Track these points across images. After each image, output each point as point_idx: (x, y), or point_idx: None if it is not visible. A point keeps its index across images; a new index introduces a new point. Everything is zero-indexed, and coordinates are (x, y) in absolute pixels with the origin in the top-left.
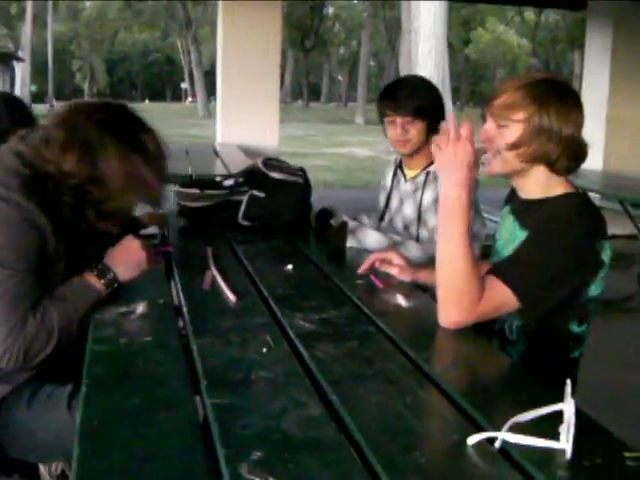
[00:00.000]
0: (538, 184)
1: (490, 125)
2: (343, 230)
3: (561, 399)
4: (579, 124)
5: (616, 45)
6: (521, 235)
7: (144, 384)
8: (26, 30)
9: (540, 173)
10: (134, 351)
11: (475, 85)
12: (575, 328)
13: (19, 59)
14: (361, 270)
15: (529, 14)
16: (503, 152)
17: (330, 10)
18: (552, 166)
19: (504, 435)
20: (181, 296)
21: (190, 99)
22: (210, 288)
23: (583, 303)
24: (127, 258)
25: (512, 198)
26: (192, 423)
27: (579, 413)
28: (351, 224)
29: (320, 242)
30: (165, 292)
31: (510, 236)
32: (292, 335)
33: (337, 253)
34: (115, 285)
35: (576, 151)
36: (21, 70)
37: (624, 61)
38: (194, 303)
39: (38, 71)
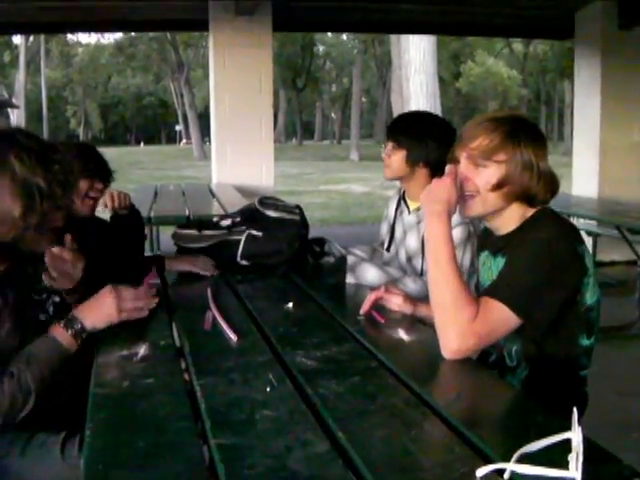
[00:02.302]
0: (515, 219)
1: (466, 167)
2: (342, 266)
3: (569, 427)
4: (547, 157)
5: (605, 72)
6: (502, 263)
7: (148, 427)
8: (19, 77)
9: (517, 209)
10: (137, 394)
11: (468, 118)
12: (585, 341)
13: (13, 106)
14: (362, 311)
15: (517, 45)
16: (484, 193)
17: (321, 48)
18: (530, 201)
19: (513, 466)
20: (183, 337)
21: (185, 141)
22: (211, 328)
23: (584, 312)
24: (96, 306)
25: (487, 242)
26: (198, 465)
27: (587, 441)
28: (350, 260)
29: (318, 279)
30: (166, 333)
31: (496, 272)
32: (295, 373)
33: (337, 289)
34: (83, 335)
35: (552, 183)
36: (16, 117)
37: (614, 88)
38: (195, 344)
39: (33, 117)
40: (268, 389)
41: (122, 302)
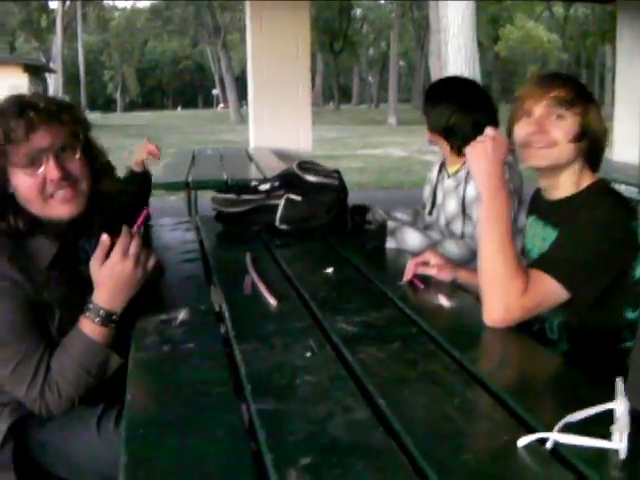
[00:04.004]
0: (572, 180)
1: (545, 117)
2: (383, 230)
3: (613, 397)
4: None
5: None
6: (553, 235)
7: (189, 391)
8: (56, 42)
9: (576, 169)
10: (177, 358)
11: (507, 82)
12: (630, 314)
13: (51, 71)
14: (406, 279)
15: (558, 8)
16: (563, 144)
17: (358, 12)
18: (589, 161)
19: (555, 436)
20: (222, 302)
21: (222, 105)
22: (250, 293)
23: (632, 286)
24: (107, 283)
25: (535, 207)
26: (238, 429)
27: (633, 411)
28: (390, 224)
29: (358, 243)
30: (206, 298)
31: (544, 242)
32: (335, 339)
33: (377, 254)
34: (114, 317)
35: (604, 145)
36: (53, 82)
37: None
38: (235, 308)
39: (70, 82)
40: (308, 354)
41: (134, 257)
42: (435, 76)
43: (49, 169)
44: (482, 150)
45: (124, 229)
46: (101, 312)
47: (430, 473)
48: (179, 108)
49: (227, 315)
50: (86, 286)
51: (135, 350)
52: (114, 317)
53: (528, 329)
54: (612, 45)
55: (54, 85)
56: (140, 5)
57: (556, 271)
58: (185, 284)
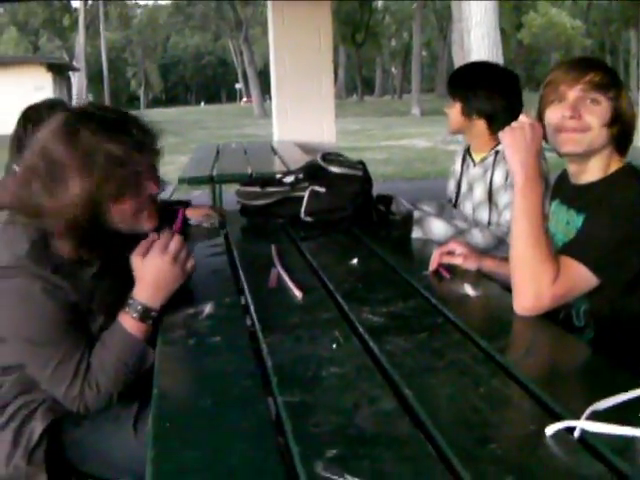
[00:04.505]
0: (601, 166)
1: (580, 102)
2: (408, 221)
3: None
4: None
5: None
6: (578, 220)
7: (215, 384)
8: (79, 40)
9: (606, 154)
10: (204, 351)
11: (530, 70)
12: None
13: (74, 69)
14: (431, 268)
15: None
16: (598, 129)
17: (379, 3)
18: (619, 146)
19: (583, 424)
20: (248, 295)
21: (245, 99)
22: (276, 285)
23: None
24: (149, 280)
25: (560, 190)
26: (265, 421)
27: None
28: (416, 214)
29: (384, 234)
30: (232, 291)
31: (567, 226)
32: (361, 330)
33: (402, 244)
34: (152, 313)
35: (633, 130)
36: (77, 80)
37: None
38: (261, 301)
39: (94, 80)
40: (334, 346)
41: (176, 258)
42: (458, 65)
43: (153, 186)
44: (521, 137)
45: (165, 229)
46: (139, 307)
47: (456, 463)
48: (202, 103)
49: (253, 308)
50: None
51: (162, 344)
52: (153, 313)
53: (554, 317)
54: (636, 30)
55: (78, 83)
56: (162, 2)
57: (585, 257)
58: (211, 278)
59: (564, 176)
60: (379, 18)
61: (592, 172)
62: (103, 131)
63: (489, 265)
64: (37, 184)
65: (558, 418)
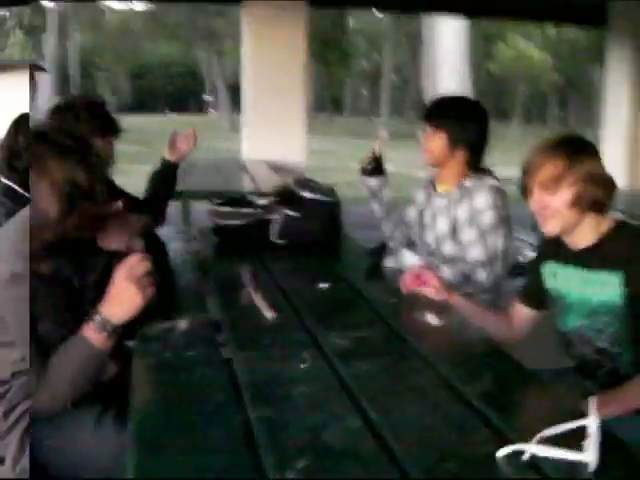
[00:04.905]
0: (590, 231)
1: (541, 194)
2: (380, 250)
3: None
4: (603, 164)
5: (637, 61)
6: (614, 276)
7: (190, 396)
8: (49, 42)
9: (590, 220)
10: (179, 365)
11: (497, 101)
12: None
13: (41, 69)
14: (403, 288)
15: (550, 29)
16: (564, 211)
17: (351, 22)
18: (600, 209)
19: (532, 448)
20: (221, 313)
21: (213, 112)
22: (247, 305)
23: None
24: (117, 298)
25: (552, 254)
26: (239, 435)
27: (603, 429)
28: (391, 244)
29: (355, 260)
30: (205, 309)
31: (590, 285)
32: (328, 352)
33: (373, 272)
34: (114, 331)
35: (612, 187)
36: (44, 82)
37: None
38: (233, 319)
39: (61, 83)
40: (303, 366)
41: (138, 281)
42: (427, 91)
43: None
44: None
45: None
46: (99, 318)
47: (416, 478)
48: (170, 112)
49: (225, 326)
50: (77, 298)
51: (139, 355)
52: (109, 326)
53: (595, 371)
54: (600, 66)
55: (44, 85)
56: (137, 9)
57: None
58: (185, 294)
59: (554, 239)
60: (352, 39)
61: (584, 238)
62: (69, 160)
63: (456, 300)
64: None
65: (510, 442)
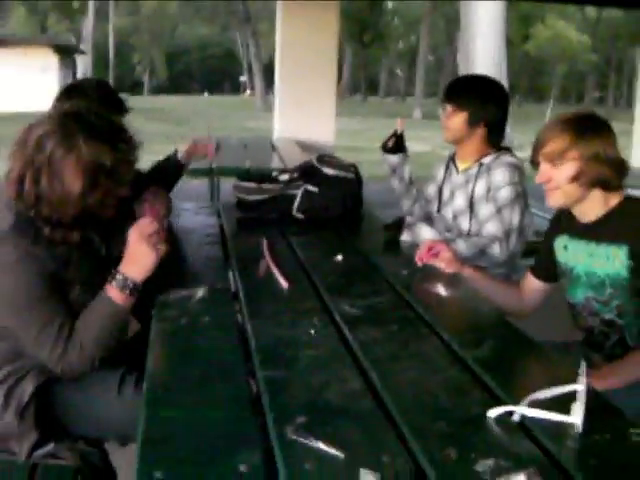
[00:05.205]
0: (598, 206)
1: (546, 167)
2: (398, 224)
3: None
4: (616, 145)
5: None
6: (620, 250)
7: (202, 357)
8: (88, 24)
9: (597, 195)
10: (194, 329)
11: (534, 81)
12: None
13: (81, 52)
14: (418, 258)
15: (590, 9)
16: (564, 186)
17: (389, 4)
18: (606, 187)
19: (522, 409)
20: (238, 282)
21: (248, 92)
22: (264, 275)
23: None
24: (134, 258)
25: (564, 227)
26: (245, 392)
27: (593, 393)
28: (408, 219)
29: (372, 234)
30: (223, 278)
31: (597, 258)
32: (338, 319)
33: (388, 246)
34: (136, 289)
35: (622, 168)
36: (83, 63)
37: None
38: (249, 289)
39: (99, 64)
40: (312, 332)
41: (150, 239)
42: (463, 72)
43: (124, 190)
44: None
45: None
46: (120, 277)
47: (408, 435)
48: (206, 93)
49: (242, 294)
50: (104, 266)
51: (156, 320)
52: (130, 284)
53: (602, 343)
54: None
55: (83, 67)
56: None
57: None
58: (205, 264)
59: (567, 213)
60: (388, 19)
61: (592, 212)
62: (96, 140)
63: (469, 273)
64: (37, 176)
65: (503, 404)
